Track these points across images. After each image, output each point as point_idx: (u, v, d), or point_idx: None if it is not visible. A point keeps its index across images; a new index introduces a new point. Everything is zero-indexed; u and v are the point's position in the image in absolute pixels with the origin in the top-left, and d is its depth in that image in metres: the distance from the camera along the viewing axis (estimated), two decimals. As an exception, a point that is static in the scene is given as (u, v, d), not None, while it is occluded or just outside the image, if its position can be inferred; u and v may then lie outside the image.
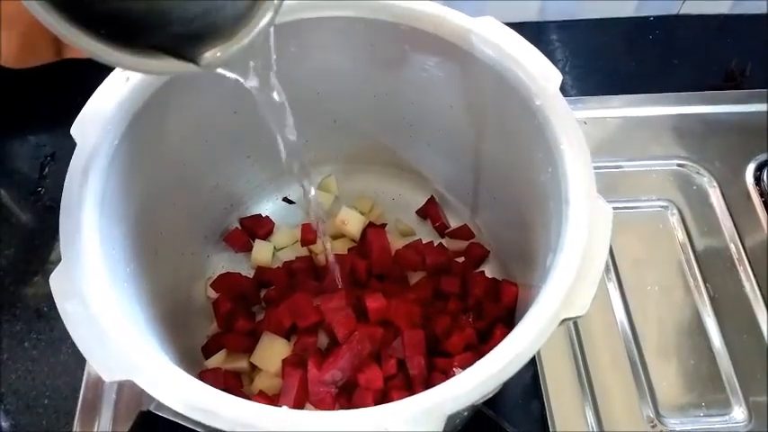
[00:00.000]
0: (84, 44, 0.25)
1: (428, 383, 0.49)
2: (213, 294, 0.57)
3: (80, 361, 0.57)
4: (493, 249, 0.60)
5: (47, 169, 0.70)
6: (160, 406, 0.33)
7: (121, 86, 0.42)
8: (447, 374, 0.49)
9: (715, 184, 0.66)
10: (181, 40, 0.28)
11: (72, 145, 0.40)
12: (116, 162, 0.41)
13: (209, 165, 0.54)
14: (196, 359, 0.54)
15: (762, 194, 0.65)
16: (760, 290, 0.60)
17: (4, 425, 0.55)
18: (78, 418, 0.54)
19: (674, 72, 0.77)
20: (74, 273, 0.36)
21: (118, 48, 0.25)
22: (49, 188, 0.69)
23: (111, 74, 0.42)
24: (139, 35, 0.26)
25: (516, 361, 0.33)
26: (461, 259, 0.60)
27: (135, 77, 0.42)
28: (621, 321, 0.58)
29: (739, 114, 0.70)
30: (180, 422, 0.38)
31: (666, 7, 0.82)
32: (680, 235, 0.63)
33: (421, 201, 0.63)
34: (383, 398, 0.49)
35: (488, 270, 0.59)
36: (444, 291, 0.56)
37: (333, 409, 0.48)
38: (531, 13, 0.81)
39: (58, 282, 0.35)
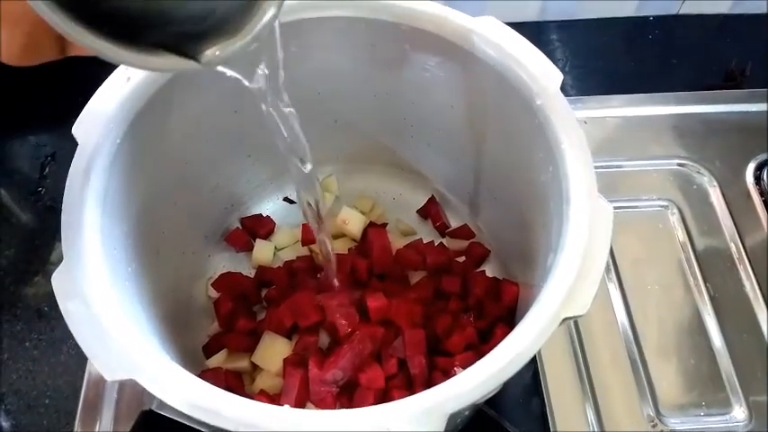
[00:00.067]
0: (88, 42, 0.25)
1: (429, 383, 0.49)
2: (214, 294, 0.58)
3: (81, 361, 0.57)
4: (493, 249, 0.60)
5: (47, 169, 0.70)
6: (162, 405, 0.33)
7: (123, 86, 0.42)
8: (448, 374, 0.49)
9: (715, 183, 0.66)
10: (183, 38, 0.28)
11: (72, 145, 0.40)
12: (118, 161, 0.41)
13: (210, 164, 0.54)
14: (197, 359, 0.54)
15: (762, 194, 0.65)
16: (760, 289, 0.60)
17: (5, 425, 0.55)
18: (79, 417, 0.54)
19: (674, 72, 0.77)
20: (75, 272, 0.36)
21: (121, 45, 0.26)
22: (50, 188, 0.69)
23: (113, 73, 0.42)
24: (142, 33, 0.27)
25: (517, 360, 0.33)
26: (462, 259, 0.60)
27: (136, 77, 0.42)
28: (622, 321, 0.58)
29: (739, 114, 0.71)
30: (182, 421, 0.38)
31: (666, 7, 0.82)
32: (680, 234, 0.63)
33: (421, 200, 0.63)
34: (384, 397, 0.49)
35: (489, 270, 0.59)
36: (445, 290, 0.56)
37: (334, 408, 0.48)
38: (531, 13, 0.81)
39: (59, 281, 0.35)
